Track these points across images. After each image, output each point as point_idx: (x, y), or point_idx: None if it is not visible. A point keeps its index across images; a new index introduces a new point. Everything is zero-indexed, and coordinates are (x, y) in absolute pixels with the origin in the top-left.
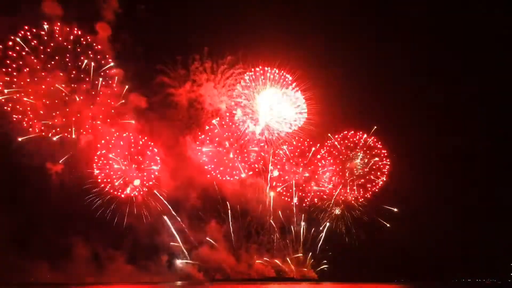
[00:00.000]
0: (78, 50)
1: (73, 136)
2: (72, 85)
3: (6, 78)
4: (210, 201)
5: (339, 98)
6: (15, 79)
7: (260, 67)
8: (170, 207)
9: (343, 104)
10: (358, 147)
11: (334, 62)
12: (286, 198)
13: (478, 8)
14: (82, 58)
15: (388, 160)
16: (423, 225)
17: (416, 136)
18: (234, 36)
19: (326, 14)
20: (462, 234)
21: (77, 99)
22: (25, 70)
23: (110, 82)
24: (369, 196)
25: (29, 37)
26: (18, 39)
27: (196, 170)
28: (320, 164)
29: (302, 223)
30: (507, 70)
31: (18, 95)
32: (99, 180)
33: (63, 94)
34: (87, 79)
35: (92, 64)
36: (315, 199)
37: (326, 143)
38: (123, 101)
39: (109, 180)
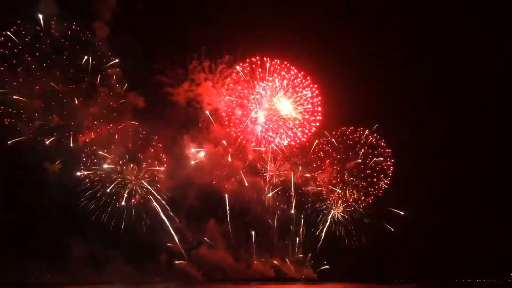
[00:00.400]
0: (77, 48)
1: (70, 139)
2: (70, 86)
3: None
4: (208, 201)
5: (341, 95)
6: (6, 79)
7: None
8: (168, 207)
9: (345, 100)
10: (359, 145)
11: (334, 60)
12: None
13: (479, 9)
14: (80, 56)
15: (391, 160)
16: (423, 225)
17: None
18: (233, 36)
19: (325, 12)
20: (462, 234)
21: (76, 101)
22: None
23: (108, 81)
24: (370, 200)
25: (23, 32)
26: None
27: (194, 170)
28: (317, 164)
29: (301, 223)
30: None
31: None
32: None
33: (60, 95)
34: (86, 78)
35: (90, 60)
36: (314, 199)
37: (322, 140)
38: (123, 100)
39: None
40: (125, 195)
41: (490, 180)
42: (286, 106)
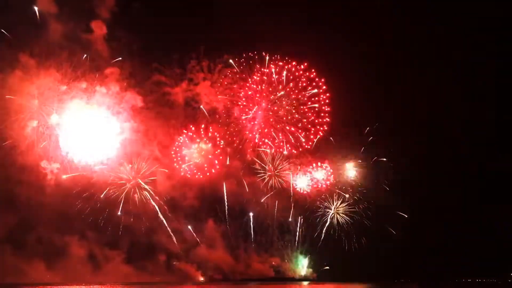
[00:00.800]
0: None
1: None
2: (68, 86)
3: None
4: (207, 200)
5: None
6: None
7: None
8: (167, 207)
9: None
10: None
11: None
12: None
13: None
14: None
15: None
16: (423, 225)
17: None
18: (231, 35)
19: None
20: (462, 234)
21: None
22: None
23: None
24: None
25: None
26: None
27: (193, 169)
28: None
29: (300, 222)
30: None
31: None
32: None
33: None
34: (84, 78)
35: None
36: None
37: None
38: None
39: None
40: (123, 195)
41: (490, 179)
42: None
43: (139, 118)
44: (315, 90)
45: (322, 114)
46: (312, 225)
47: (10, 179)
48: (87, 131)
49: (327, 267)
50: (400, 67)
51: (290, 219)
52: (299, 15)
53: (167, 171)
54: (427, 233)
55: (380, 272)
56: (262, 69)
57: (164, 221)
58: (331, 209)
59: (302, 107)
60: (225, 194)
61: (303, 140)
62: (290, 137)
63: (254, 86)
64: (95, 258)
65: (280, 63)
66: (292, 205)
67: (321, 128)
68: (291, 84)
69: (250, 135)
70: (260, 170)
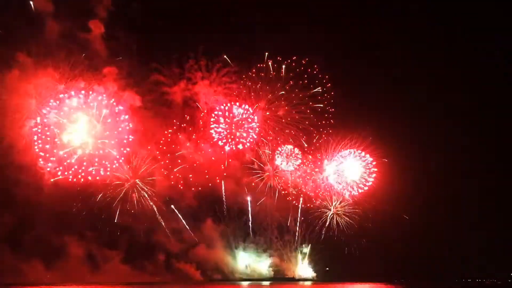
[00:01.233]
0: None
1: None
2: (66, 85)
3: None
4: (206, 200)
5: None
6: None
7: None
8: (165, 207)
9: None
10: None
11: (331, 60)
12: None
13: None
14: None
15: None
16: (423, 225)
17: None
18: (229, 34)
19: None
20: (463, 234)
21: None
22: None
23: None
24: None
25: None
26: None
27: (191, 169)
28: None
29: (302, 225)
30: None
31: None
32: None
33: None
34: (81, 77)
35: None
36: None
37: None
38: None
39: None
40: (122, 194)
41: (490, 180)
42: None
43: (138, 118)
44: (319, 89)
45: (326, 115)
46: (311, 225)
47: (8, 178)
48: (85, 131)
49: (326, 266)
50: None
51: (289, 219)
52: (298, 14)
53: (166, 172)
54: (427, 233)
55: (380, 272)
56: (259, 65)
57: (163, 221)
58: (330, 209)
59: (303, 107)
60: (223, 193)
61: (305, 145)
62: (291, 139)
63: (252, 85)
64: (94, 258)
65: (279, 58)
66: (292, 205)
67: (325, 131)
68: (291, 82)
69: (250, 135)
70: (259, 170)
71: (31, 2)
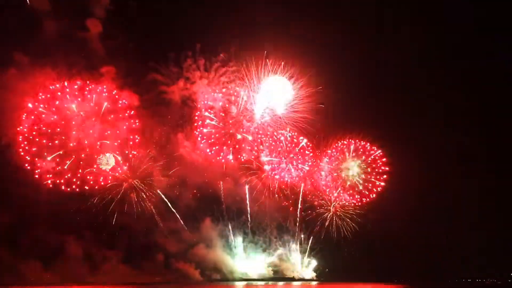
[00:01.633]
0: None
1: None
2: (64, 84)
3: None
4: (205, 200)
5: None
6: None
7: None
8: (164, 207)
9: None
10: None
11: (330, 61)
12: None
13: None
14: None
15: (384, 160)
16: (423, 225)
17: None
18: (227, 33)
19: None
20: (463, 234)
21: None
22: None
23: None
24: (368, 200)
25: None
26: None
27: (189, 169)
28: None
29: (301, 224)
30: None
31: None
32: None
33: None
34: (79, 76)
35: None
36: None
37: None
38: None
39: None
40: (120, 194)
41: (490, 180)
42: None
43: (136, 117)
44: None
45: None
46: (311, 225)
47: (5, 178)
48: (83, 130)
49: (327, 269)
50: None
51: (288, 219)
52: (297, 13)
53: (164, 172)
54: (427, 233)
55: (380, 272)
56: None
57: (161, 221)
58: (329, 209)
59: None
60: (222, 193)
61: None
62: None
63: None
64: (92, 258)
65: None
66: (291, 205)
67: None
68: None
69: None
70: (257, 170)
71: (28, 0)
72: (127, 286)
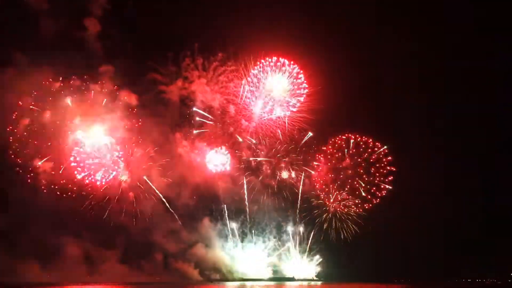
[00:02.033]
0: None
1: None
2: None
3: None
4: (203, 199)
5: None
6: None
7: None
8: (162, 206)
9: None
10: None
11: (330, 61)
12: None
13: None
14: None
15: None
16: (423, 226)
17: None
18: (225, 32)
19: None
20: (463, 234)
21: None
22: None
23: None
24: (370, 205)
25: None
26: None
27: (188, 168)
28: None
29: (300, 224)
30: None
31: None
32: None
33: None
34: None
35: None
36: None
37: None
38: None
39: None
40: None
41: (490, 180)
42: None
43: (134, 117)
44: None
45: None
46: (311, 225)
47: (2, 178)
48: (81, 130)
49: (326, 266)
50: None
51: (288, 219)
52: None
53: (162, 171)
54: (428, 234)
55: (380, 272)
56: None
57: (160, 221)
58: (329, 209)
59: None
60: (220, 193)
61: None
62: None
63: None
64: (91, 258)
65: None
66: (290, 204)
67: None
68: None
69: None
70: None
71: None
72: (126, 286)
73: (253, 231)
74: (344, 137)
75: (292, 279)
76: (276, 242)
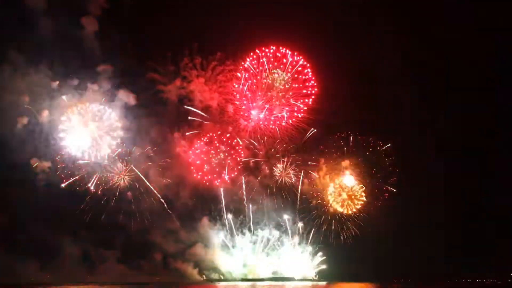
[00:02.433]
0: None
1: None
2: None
3: None
4: (202, 199)
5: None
6: None
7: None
8: (161, 206)
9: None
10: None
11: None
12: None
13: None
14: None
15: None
16: (423, 226)
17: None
18: (224, 32)
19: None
20: (463, 234)
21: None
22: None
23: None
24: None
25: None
26: None
27: (186, 168)
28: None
29: (300, 224)
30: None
31: None
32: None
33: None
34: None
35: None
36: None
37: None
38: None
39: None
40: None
41: (489, 180)
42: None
43: (132, 116)
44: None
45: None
46: (310, 225)
47: (1, 177)
48: (79, 129)
49: (326, 266)
50: None
51: (288, 219)
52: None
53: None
54: (428, 234)
55: (380, 272)
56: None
57: (159, 220)
58: (328, 209)
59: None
60: (219, 192)
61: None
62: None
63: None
64: (90, 257)
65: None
66: (290, 205)
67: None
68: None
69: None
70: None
71: None
72: (125, 286)
73: (252, 231)
74: (343, 135)
75: (292, 279)
76: (276, 242)
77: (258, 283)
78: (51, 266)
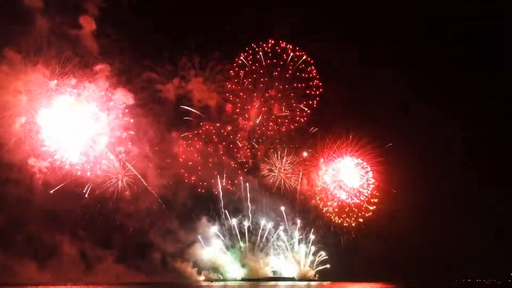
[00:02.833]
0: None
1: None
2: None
3: None
4: (201, 199)
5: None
6: None
7: None
8: (159, 205)
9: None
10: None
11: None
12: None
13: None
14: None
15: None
16: (423, 226)
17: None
18: (223, 31)
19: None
20: (463, 234)
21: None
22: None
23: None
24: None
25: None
26: None
27: (185, 168)
28: None
29: (298, 222)
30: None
31: None
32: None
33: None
34: (73, 74)
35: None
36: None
37: None
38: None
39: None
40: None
41: (490, 180)
42: None
43: (130, 116)
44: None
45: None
46: (310, 225)
47: None
48: (76, 128)
49: (325, 265)
50: None
51: (287, 219)
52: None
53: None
54: (428, 234)
55: (380, 272)
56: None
57: (157, 220)
58: (327, 209)
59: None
60: (218, 192)
61: None
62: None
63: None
64: (87, 257)
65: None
66: (290, 205)
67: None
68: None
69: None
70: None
71: None
72: (124, 286)
73: (251, 230)
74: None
75: (291, 279)
76: (276, 242)
77: (258, 283)
78: (49, 266)
